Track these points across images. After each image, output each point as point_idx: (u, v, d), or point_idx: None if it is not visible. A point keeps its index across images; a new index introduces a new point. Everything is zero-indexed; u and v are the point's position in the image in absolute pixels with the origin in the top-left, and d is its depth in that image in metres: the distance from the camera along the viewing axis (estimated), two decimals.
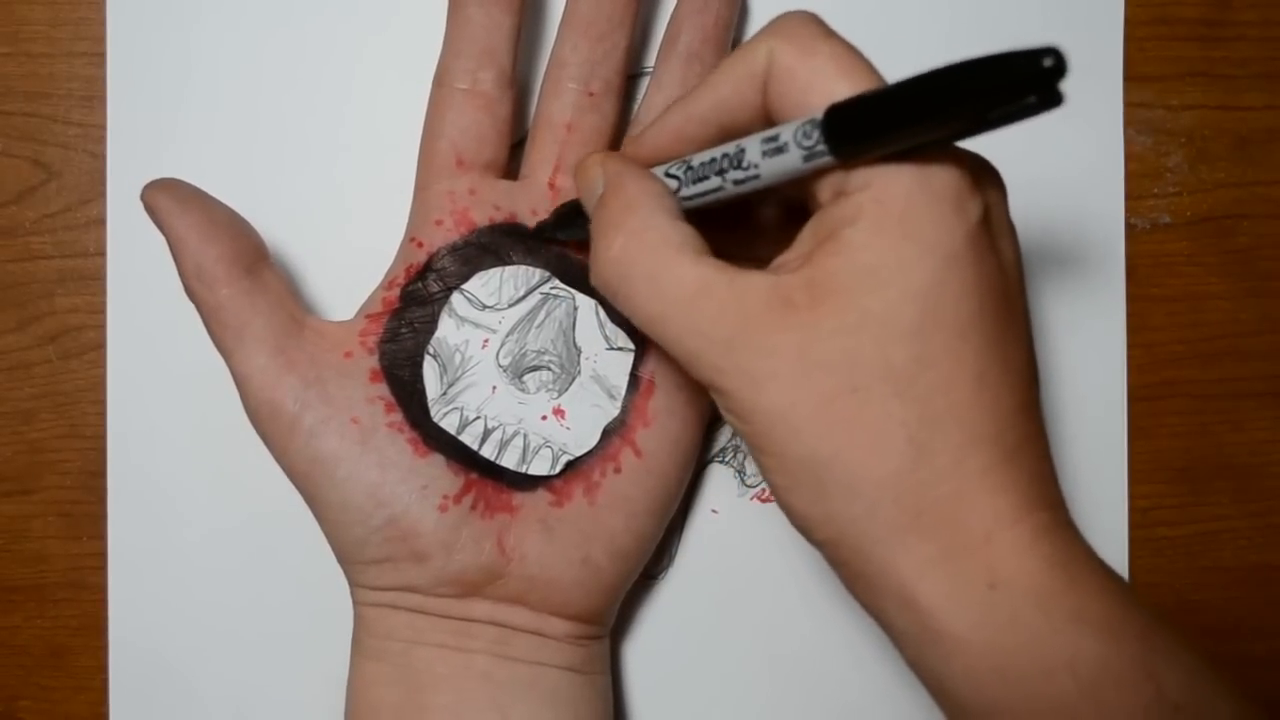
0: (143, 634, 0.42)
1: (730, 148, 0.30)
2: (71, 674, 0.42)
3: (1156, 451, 0.45)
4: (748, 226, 0.36)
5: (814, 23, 0.29)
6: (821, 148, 0.27)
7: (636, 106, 0.40)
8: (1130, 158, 0.45)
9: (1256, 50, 0.45)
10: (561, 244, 0.38)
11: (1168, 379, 0.45)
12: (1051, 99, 0.24)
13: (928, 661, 0.28)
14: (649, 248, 0.30)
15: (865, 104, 0.27)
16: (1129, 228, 0.45)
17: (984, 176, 0.28)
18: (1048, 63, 0.24)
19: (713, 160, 0.31)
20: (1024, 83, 0.24)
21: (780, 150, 0.28)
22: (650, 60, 0.41)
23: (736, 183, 0.30)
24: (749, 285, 0.28)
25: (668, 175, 0.32)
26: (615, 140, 0.40)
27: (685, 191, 0.32)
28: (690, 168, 0.31)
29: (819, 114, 0.27)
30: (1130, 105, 0.44)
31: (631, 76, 0.41)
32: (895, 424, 0.27)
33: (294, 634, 0.42)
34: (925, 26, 0.43)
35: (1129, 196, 0.44)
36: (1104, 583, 0.28)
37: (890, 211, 0.27)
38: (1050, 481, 0.29)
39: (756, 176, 0.29)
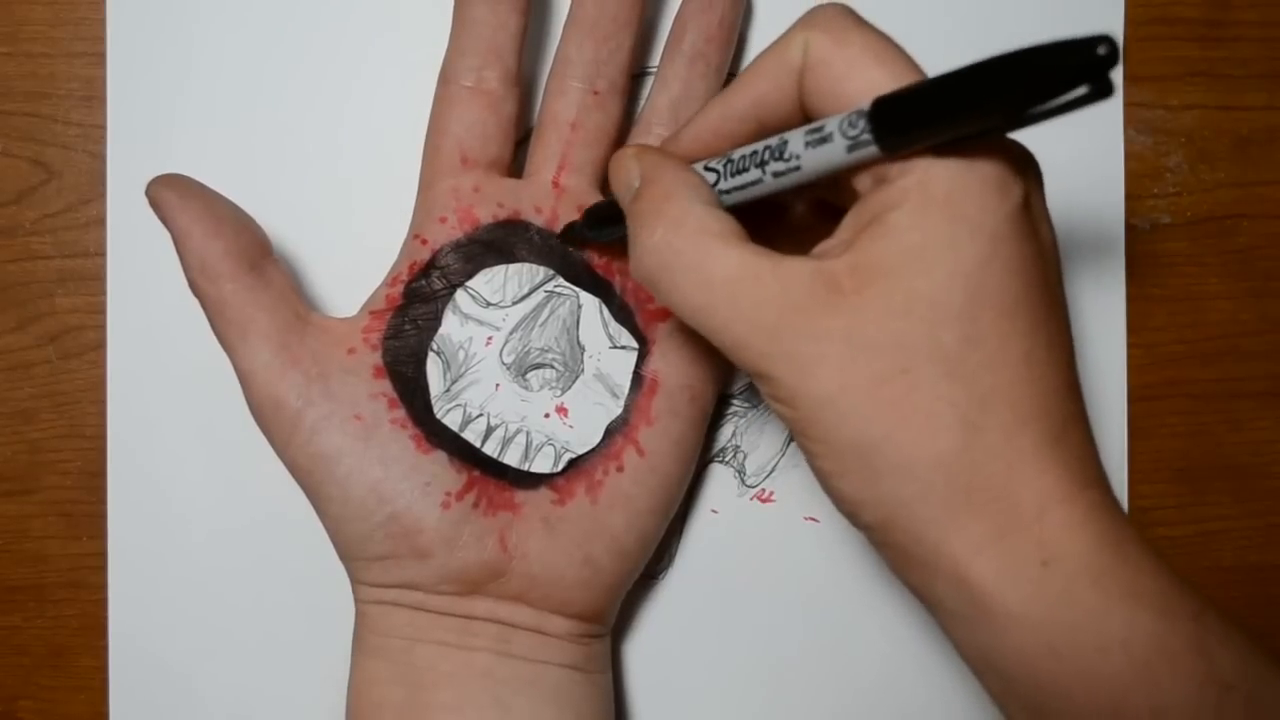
0: (143, 634, 0.42)
1: (772, 140, 0.30)
2: (71, 674, 0.42)
3: (1156, 451, 0.45)
4: (776, 225, 0.36)
5: (847, 13, 0.29)
6: (867, 138, 0.27)
7: (641, 105, 0.40)
8: (1130, 158, 0.45)
9: (1256, 50, 0.45)
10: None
11: (1168, 379, 0.45)
12: (1103, 89, 0.24)
13: (979, 640, 0.28)
14: (689, 235, 0.30)
15: (913, 95, 0.27)
16: (1129, 228, 0.45)
17: (1023, 162, 0.28)
18: (1101, 51, 0.23)
19: (754, 153, 0.30)
20: (1076, 72, 0.24)
21: (825, 140, 0.28)
22: (655, 59, 0.42)
23: (776, 175, 0.30)
24: (794, 270, 0.28)
25: (706, 169, 0.32)
26: (620, 139, 0.40)
27: (723, 185, 0.31)
28: (730, 160, 0.31)
29: (865, 105, 0.27)
30: (1130, 105, 0.45)
31: (636, 75, 0.41)
32: (946, 404, 0.27)
33: (294, 633, 0.42)
34: (925, 27, 0.43)
35: (1129, 196, 0.45)
36: (1154, 562, 0.28)
37: (935, 195, 0.27)
38: (1096, 461, 0.29)
39: (797, 168, 0.29)
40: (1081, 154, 0.44)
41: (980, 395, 0.27)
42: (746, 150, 0.31)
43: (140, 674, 0.42)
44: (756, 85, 0.31)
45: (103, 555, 0.41)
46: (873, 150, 0.27)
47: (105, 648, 0.42)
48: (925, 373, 0.27)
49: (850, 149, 0.28)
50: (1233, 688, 0.27)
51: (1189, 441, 0.46)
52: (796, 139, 0.29)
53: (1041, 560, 0.27)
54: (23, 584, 0.42)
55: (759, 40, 0.42)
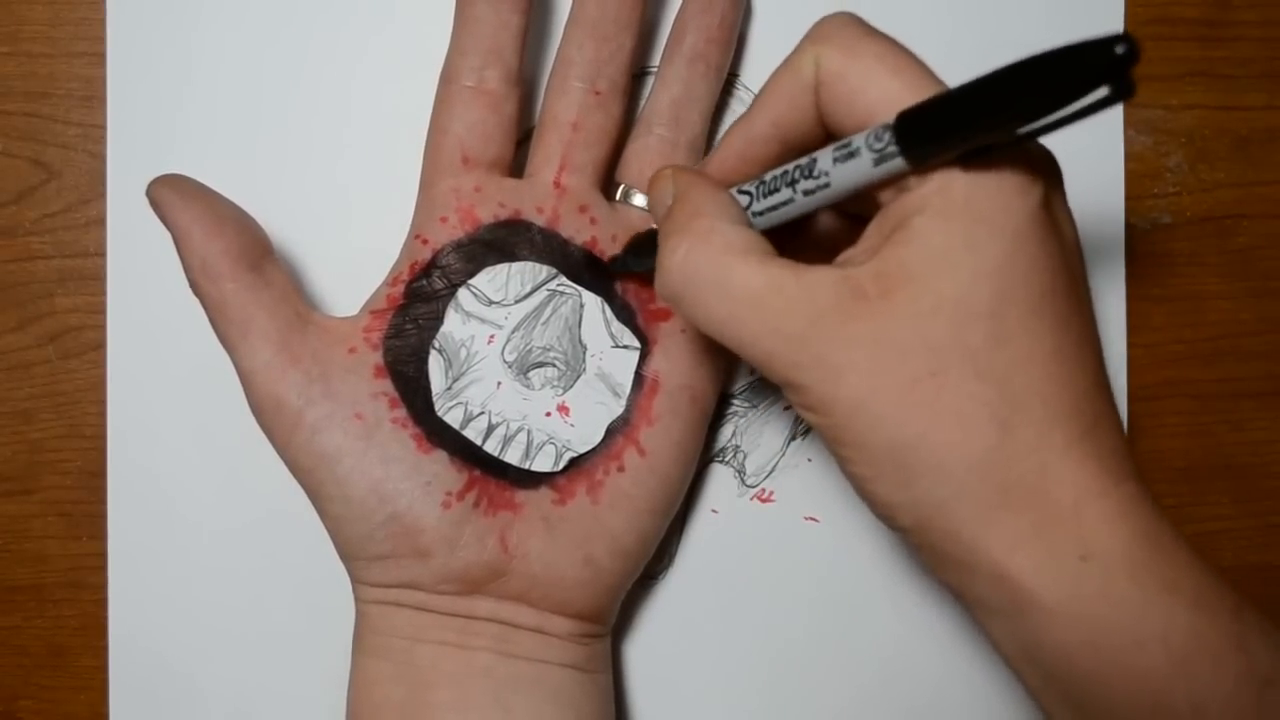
0: (143, 634, 0.42)
1: (803, 160, 0.30)
2: (71, 674, 0.42)
3: (1156, 451, 0.46)
4: (800, 239, 0.36)
5: (854, 23, 0.30)
6: (893, 150, 0.27)
7: (642, 105, 0.40)
8: (1130, 158, 0.45)
9: (1256, 50, 0.45)
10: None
11: (1168, 379, 0.45)
12: (1124, 89, 0.24)
13: (1018, 635, 0.28)
14: (713, 251, 0.30)
15: (936, 107, 0.27)
16: (1129, 228, 0.45)
17: (1041, 161, 0.29)
18: (1120, 50, 0.23)
19: (784, 173, 0.31)
20: (1097, 73, 0.24)
21: (852, 155, 0.28)
22: (656, 58, 0.41)
23: (807, 193, 0.30)
24: (818, 280, 0.28)
25: (740, 193, 0.32)
26: (621, 139, 0.40)
27: (756, 207, 0.32)
28: (762, 182, 0.31)
29: (889, 119, 0.27)
30: (1130, 105, 0.45)
31: (637, 75, 0.41)
32: (978, 404, 0.27)
33: (295, 633, 0.42)
34: (926, 28, 0.43)
35: (1129, 196, 0.45)
36: (1192, 557, 0.28)
37: (956, 198, 0.27)
38: (1128, 455, 0.29)
39: (827, 185, 0.29)
40: (1081, 154, 0.43)
41: (1011, 393, 0.27)
42: (777, 171, 0.31)
43: (140, 674, 0.42)
44: (774, 106, 0.31)
45: (103, 555, 0.41)
46: (899, 163, 0.27)
47: (105, 648, 0.42)
48: (955, 373, 0.27)
49: (877, 162, 0.28)
50: (1271, 682, 0.27)
51: (1189, 441, 0.46)
52: (825, 156, 0.29)
53: (1080, 555, 0.27)
54: (23, 584, 0.42)
55: (759, 40, 0.42)
